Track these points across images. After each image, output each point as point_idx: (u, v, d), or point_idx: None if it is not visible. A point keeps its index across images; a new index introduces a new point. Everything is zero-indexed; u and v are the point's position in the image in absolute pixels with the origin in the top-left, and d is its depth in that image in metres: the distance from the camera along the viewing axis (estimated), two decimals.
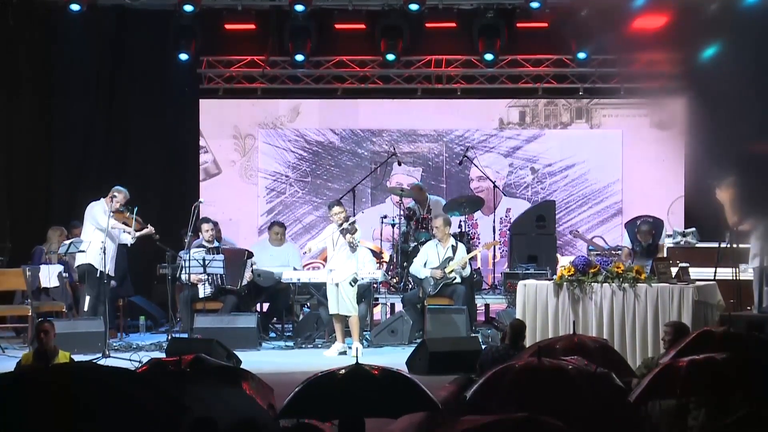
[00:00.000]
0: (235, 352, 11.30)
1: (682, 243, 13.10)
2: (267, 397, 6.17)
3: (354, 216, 12.87)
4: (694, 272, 11.25)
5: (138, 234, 13.20)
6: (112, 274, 13.05)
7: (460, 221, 15.11)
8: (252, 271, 13.78)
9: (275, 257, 14.28)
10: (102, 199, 13.21)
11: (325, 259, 13.38)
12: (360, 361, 5.73)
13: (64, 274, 13.53)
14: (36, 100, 15.68)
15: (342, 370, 5.65)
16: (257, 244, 14.73)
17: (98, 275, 12.84)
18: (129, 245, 13.50)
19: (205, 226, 13.69)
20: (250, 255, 13.91)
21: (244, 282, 13.66)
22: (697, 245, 13.04)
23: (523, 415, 4.83)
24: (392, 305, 14.31)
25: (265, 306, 14.52)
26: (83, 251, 12.96)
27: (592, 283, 10.63)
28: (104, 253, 12.60)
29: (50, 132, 15.84)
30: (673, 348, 7.19)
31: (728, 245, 11.48)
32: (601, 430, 5.42)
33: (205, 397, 5.49)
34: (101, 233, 12.82)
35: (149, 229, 13.27)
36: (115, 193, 13.18)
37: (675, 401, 6.90)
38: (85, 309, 12.96)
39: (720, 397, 5.99)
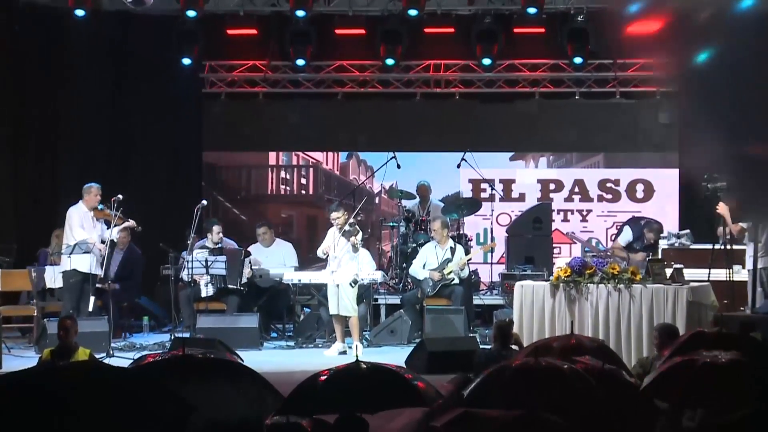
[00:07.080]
0: (237, 351, 11.44)
1: (676, 244, 13.18)
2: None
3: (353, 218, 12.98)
4: (689, 273, 11.31)
5: (119, 227, 13.06)
6: (96, 272, 12.89)
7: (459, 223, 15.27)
8: (251, 269, 13.93)
9: (270, 257, 14.44)
10: (80, 202, 13.05)
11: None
12: (360, 359, 5.82)
13: None
14: (41, 104, 15.76)
15: (339, 367, 5.73)
16: (251, 248, 14.79)
17: (81, 279, 12.81)
18: (115, 240, 13.42)
19: (215, 228, 13.89)
20: (248, 254, 14.04)
21: (244, 279, 13.81)
22: (692, 247, 13.12)
23: (520, 413, 4.93)
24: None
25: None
26: (88, 252, 12.95)
27: (588, 284, 10.74)
28: (90, 254, 12.68)
29: (55, 135, 15.94)
30: (666, 349, 7.25)
31: (722, 247, 11.58)
32: (599, 427, 5.47)
33: (214, 392, 5.49)
34: (82, 235, 12.82)
35: (130, 222, 13.03)
36: (88, 192, 12.99)
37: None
38: (90, 309, 13.06)
39: (722, 398, 5.92)
